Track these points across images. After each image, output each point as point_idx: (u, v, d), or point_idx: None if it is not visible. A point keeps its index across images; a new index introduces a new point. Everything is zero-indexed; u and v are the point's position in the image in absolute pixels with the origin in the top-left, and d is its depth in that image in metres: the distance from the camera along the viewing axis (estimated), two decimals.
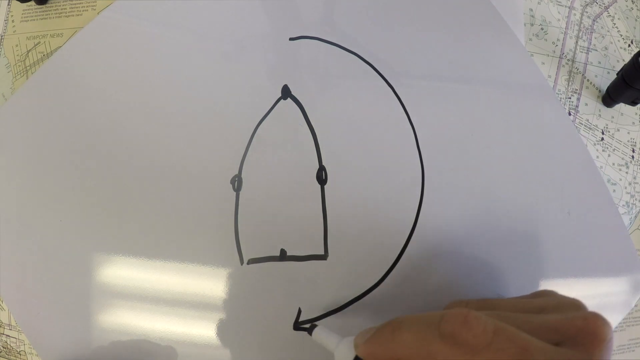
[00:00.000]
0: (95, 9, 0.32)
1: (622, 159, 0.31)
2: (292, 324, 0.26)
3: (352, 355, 0.21)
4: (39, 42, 0.33)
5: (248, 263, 0.27)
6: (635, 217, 0.31)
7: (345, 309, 0.26)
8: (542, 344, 0.18)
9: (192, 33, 0.30)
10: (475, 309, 0.20)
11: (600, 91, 0.32)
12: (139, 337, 0.27)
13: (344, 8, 0.29)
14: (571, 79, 0.32)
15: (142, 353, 0.27)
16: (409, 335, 0.19)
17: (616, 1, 0.33)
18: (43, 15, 0.33)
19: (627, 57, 0.32)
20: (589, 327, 0.19)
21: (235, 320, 0.26)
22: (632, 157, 0.32)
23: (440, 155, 0.29)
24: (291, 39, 0.29)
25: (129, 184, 0.29)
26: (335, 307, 0.26)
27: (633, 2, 0.34)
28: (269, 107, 0.28)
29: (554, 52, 0.32)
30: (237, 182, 0.28)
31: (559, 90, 0.32)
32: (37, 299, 0.29)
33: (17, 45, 0.33)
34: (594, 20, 0.33)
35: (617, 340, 0.31)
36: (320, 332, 0.23)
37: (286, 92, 0.28)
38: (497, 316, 0.19)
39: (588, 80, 0.32)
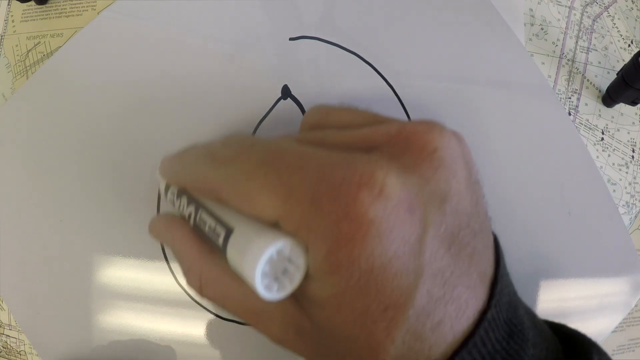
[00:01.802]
0: (95, 9, 0.32)
1: (622, 159, 0.31)
2: None
3: (164, 182, 0.22)
4: (39, 42, 0.33)
5: None
6: (635, 217, 0.31)
7: None
8: (311, 149, 0.15)
9: (192, 33, 0.30)
10: (310, 124, 0.20)
11: (600, 91, 0.32)
12: (139, 337, 0.27)
13: (344, 8, 0.29)
14: (571, 79, 0.32)
15: (142, 353, 0.27)
16: (190, 156, 0.20)
17: (616, 1, 0.33)
18: (43, 15, 0.33)
19: (627, 57, 0.32)
20: (403, 133, 0.14)
21: (234, 320, 0.26)
22: (632, 157, 0.32)
23: None
24: (291, 39, 0.29)
25: (129, 183, 0.29)
26: None
27: (633, 2, 0.34)
28: (269, 107, 0.28)
29: (554, 52, 0.32)
30: None
31: (559, 90, 0.32)
32: (37, 299, 0.29)
33: (17, 45, 0.33)
34: (594, 20, 0.33)
35: (617, 340, 0.31)
36: (157, 176, 0.24)
37: (286, 92, 0.28)
38: (309, 134, 0.19)
39: (588, 80, 0.32)
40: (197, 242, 0.19)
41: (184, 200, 0.20)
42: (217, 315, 0.27)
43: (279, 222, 0.14)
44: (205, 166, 0.17)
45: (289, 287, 0.15)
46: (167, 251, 0.28)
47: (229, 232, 0.16)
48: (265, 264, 0.14)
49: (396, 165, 0.14)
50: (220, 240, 0.16)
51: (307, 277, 0.15)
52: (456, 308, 0.14)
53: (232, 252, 0.15)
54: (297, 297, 0.16)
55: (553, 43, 0.32)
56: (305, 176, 0.14)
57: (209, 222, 0.18)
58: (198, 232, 0.19)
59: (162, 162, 0.22)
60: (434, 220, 0.13)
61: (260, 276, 0.14)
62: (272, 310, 0.17)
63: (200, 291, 0.18)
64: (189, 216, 0.19)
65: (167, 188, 0.22)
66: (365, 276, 0.13)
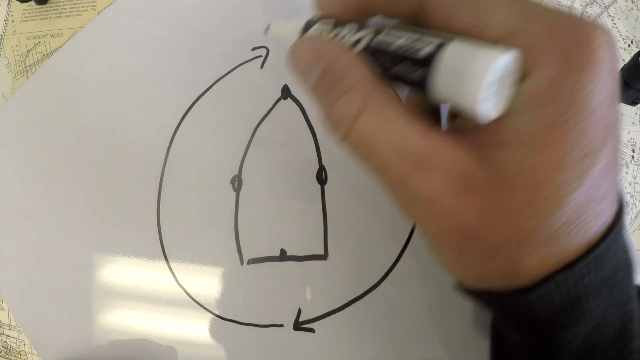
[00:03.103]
0: (95, 9, 0.32)
1: (622, 159, 0.31)
2: (292, 324, 0.26)
3: (305, 19, 0.18)
4: (39, 42, 0.33)
5: (248, 263, 0.27)
6: (635, 217, 0.31)
7: (345, 309, 0.25)
8: None
9: (192, 33, 0.30)
10: None
11: None
12: (139, 337, 0.27)
13: None
14: None
15: (142, 353, 0.27)
16: None
17: (616, 1, 0.33)
18: (43, 15, 0.33)
19: (627, 57, 0.32)
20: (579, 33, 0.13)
21: (235, 319, 0.26)
22: (632, 157, 0.32)
23: None
24: None
25: (129, 183, 0.29)
26: (335, 307, 0.26)
27: (633, 2, 0.34)
28: (269, 107, 0.28)
29: None
30: (237, 182, 0.28)
31: None
32: (37, 299, 0.29)
33: (17, 45, 0.33)
34: (594, 21, 0.33)
35: None
36: (277, 25, 0.20)
37: (286, 92, 0.28)
38: None
39: None
40: (365, 64, 0.15)
41: (349, 28, 0.16)
42: (217, 316, 0.27)
43: (508, 37, 0.13)
44: None
45: (501, 107, 0.13)
46: (167, 251, 0.28)
47: (441, 45, 0.13)
48: (492, 73, 0.12)
49: None
50: (424, 51, 0.13)
51: (509, 111, 0.13)
52: (612, 191, 0.14)
53: (446, 63, 0.13)
54: (477, 143, 0.14)
55: None
56: (545, 4, 0.13)
57: (404, 37, 0.14)
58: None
59: None
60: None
61: (486, 86, 0.12)
62: (439, 156, 0.14)
63: (357, 118, 0.15)
64: (355, 43, 0.16)
65: (308, 29, 0.18)
66: (578, 114, 0.12)
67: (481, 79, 0.12)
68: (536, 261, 0.14)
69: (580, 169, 0.13)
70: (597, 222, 0.14)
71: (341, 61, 0.15)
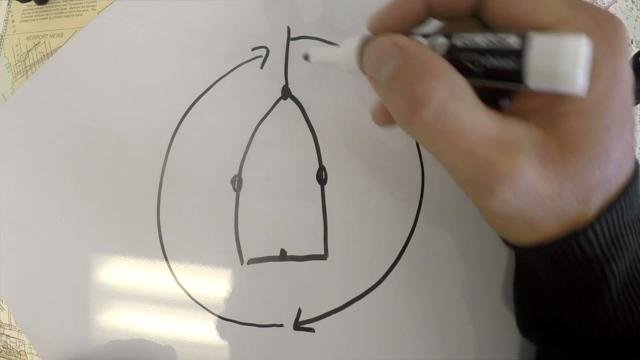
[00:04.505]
0: (95, 9, 0.32)
1: None
2: (292, 324, 0.26)
3: (356, 42, 0.19)
4: (39, 42, 0.33)
5: (248, 263, 0.27)
6: None
7: (345, 309, 0.26)
8: None
9: (192, 33, 0.30)
10: None
11: None
12: (139, 337, 0.27)
13: (344, 8, 0.29)
14: None
15: (141, 353, 0.27)
16: None
17: (616, 1, 0.33)
18: (43, 15, 0.33)
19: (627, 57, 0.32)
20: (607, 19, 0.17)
21: (235, 320, 0.26)
22: None
23: None
24: (291, 39, 0.29)
25: (129, 183, 0.29)
26: (335, 307, 0.26)
27: (633, 2, 0.34)
28: (269, 108, 0.28)
29: None
30: (237, 182, 0.28)
31: None
32: (37, 299, 0.29)
33: (17, 45, 0.33)
34: None
35: None
36: (318, 51, 0.22)
37: (286, 92, 0.28)
38: None
39: None
40: (446, 61, 0.17)
41: (417, 38, 0.18)
42: (217, 316, 0.27)
43: (558, 26, 0.16)
44: None
45: (587, 83, 0.15)
46: (167, 251, 0.28)
47: (525, 37, 0.15)
48: (585, 54, 0.15)
49: None
50: (516, 44, 0.16)
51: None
52: (634, 143, 0.17)
53: (541, 50, 0.15)
54: (545, 121, 0.17)
55: None
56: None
57: (483, 38, 0.16)
58: None
59: (374, 15, 0.20)
60: None
61: (583, 66, 0.15)
62: (520, 138, 0.16)
63: (444, 104, 0.16)
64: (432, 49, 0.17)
65: (365, 44, 0.19)
66: (619, 84, 0.16)
67: (580, 59, 0.15)
68: (595, 208, 0.17)
69: (620, 127, 0.16)
70: (629, 167, 0.17)
71: (424, 54, 0.17)
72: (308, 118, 0.28)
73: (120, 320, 0.28)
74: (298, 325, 0.26)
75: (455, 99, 0.16)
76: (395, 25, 0.19)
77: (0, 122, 0.32)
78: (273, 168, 0.27)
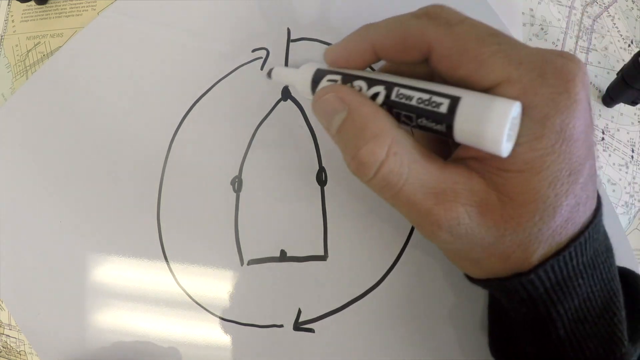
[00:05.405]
0: (95, 9, 0.32)
1: (622, 159, 0.32)
2: (292, 325, 0.26)
3: (313, 70, 0.20)
4: (39, 42, 0.33)
5: (248, 264, 0.27)
6: (634, 217, 0.31)
7: (345, 309, 0.26)
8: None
9: (192, 33, 0.30)
10: None
11: (600, 91, 0.32)
12: (139, 337, 0.27)
13: (343, 9, 0.29)
14: None
15: (142, 353, 0.27)
16: (385, 22, 0.19)
17: (616, 1, 0.33)
18: (43, 15, 0.33)
19: (627, 57, 0.32)
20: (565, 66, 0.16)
21: (235, 320, 0.26)
22: (632, 157, 0.32)
23: None
24: (291, 40, 0.29)
25: (129, 184, 0.29)
26: (335, 307, 0.26)
27: (633, 2, 0.34)
28: (269, 109, 0.28)
29: None
30: (237, 183, 0.28)
31: None
32: (37, 299, 0.29)
33: (17, 45, 0.33)
34: (594, 20, 0.33)
35: None
36: (279, 71, 0.23)
37: (286, 94, 0.28)
38: None
39: None
40: (385, 112, 0.18)
41: (360, 83, 0.19)
42: (218, 316, 0.27)
43: (502, 86, 0.16)
44: (420, 22, 0.18)
45: (512, 145, 0.16)
46: (167, 252, 0.28)
47: (455, 100, 0.16)
48: (510, 119, 0.15)
49: None
50: (444, 108, 0.16)
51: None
52: (593, 194, 0.18)
53: (468, 115, 0.16)
54: (486, 171, 0.17)
55: (553, 43, 0.32)
56: (532, 53, 0.16)
57: (417, 95, 0.17)
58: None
59: (330, 48, 0.21)
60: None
61: (507, 130, 0.15)
62: (458, 187, 0.17)
63: (382, 164, 0.17)
64: (373, 97, 0.18)
65: (316, 80, 0.20)
66: (565, 143, 0.16)
67: (504, 125, 0.15)
68: (539, 256, 0.17)
69: (569, 183, 0.16)
70: (582, 218, 0.17)
71: (365, 108, 0.18)
72: (308, 119, 0.28)
73: (120, 321, 0.28)
74: (298, 326, 0.26)
75: (395, 157, 0.17)
76: (348, 63, 0.20)
77: (0, 122, 0.32)
78: (273, 169, 0.27)
